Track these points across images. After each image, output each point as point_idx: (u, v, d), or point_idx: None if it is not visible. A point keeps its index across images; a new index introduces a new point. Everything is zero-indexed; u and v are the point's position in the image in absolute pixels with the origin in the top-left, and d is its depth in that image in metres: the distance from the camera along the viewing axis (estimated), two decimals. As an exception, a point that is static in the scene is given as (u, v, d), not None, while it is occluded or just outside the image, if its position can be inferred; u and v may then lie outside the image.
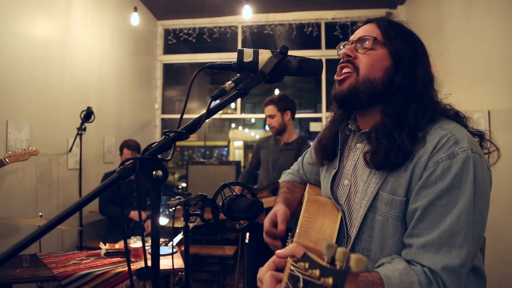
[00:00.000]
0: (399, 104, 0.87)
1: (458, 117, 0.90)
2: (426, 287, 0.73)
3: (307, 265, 0.47)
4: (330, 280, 0.40)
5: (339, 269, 0.41)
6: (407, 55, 0.89)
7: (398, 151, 0.83)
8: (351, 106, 0.96)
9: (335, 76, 0.95)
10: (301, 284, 0.47)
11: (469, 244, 0.75)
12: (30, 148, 2.38)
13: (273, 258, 0.66)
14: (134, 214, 3.09)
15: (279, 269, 0.65)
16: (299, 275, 0.48)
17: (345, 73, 0.92)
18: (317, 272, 0.43)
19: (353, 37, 0.95)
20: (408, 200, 0.83)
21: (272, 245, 1.06)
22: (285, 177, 1.37)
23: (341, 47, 0.99)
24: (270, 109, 2.65)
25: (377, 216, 0.87)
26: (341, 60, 0.94)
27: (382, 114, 0.90)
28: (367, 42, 0.91)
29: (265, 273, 0.64)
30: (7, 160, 2.22)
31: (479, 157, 0.80)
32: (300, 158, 1.33)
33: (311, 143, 2.82)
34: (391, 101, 0.89)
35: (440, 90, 0.94)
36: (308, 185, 1.26)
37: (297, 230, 0.94)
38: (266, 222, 1.10)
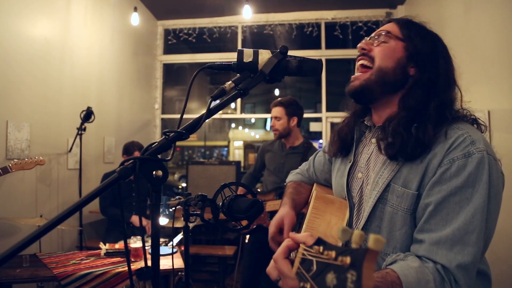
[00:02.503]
0: (419, 98, 0.89)
1: (476, 123, 0.91)
2: (440, 285, 0.74)
3: (321, 248, 0.47)
4: (348, 259, 0.40)
5: (357, 248, 0.41)
6: (426, 50, 0.91)
7: (415, 143, 0.84)
8: (364, 98, 0.99)
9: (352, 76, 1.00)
10: (315, 267, 0.46)
11: (481, 243, 0.77)
12: (37, 157, 2.36)
13: (286, 243, 0.66)
14: (135, 219, 3.08)
15: (291, 250, 0.65)
16: (312, 258, 0.48)
17: (362, 67, 0.96)
18: (333, 254, 0.43)
19: (372, 34, 1.00)
20: (419, 194, 0.84)
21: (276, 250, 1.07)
22: (292, 177, 1.37)
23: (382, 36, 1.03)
24: (278, 111, 2.57)
25: (387, 208, 0.88)
26: (358, 54, 0.99)
27: (400, 107, 0.92)
28: (381, 36, 0.96)
29: (278, 256, 0.64)
30: (11, 167, 2.20)
31: (494, 160, 0.81)
32: (311, 157, 1.33)
33: (315, 144, 2.81)
34: (411, 94, 0.91)
35: (459, 96, 0.95)
36: (315, 184, 1.26)
37: (304, 226, 0.95)
38: (272, 227, 1.10)
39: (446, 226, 0.78)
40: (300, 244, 0.59)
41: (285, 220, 1.08)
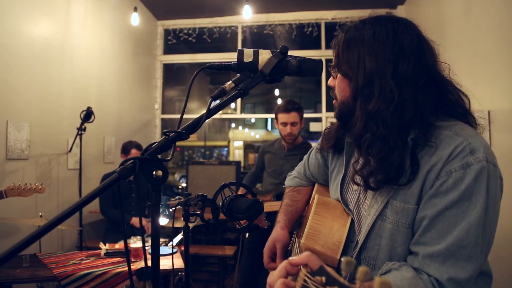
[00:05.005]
0: (360, 108, 0.85)
1: (466, 121, 0.87)
2: None
3: (324, 279, 0.45)
4: None
5: None
6: (352, 63, 0.86)
7: (370, 173, 0.82)
8: (347, 124, 0.97)
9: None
10: None
11: (476, 257, 0.75)
12: (36, 184, 2.23)
13: (285, 264, 0.64)
14: (135, 220, 3.08)
15: (291, 275, 0.63)
16: None
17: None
18: None
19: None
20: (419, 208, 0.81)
21: None
22: (289, 181, 1.34)
23: (331, 68, 0.99)
24: (295, 116, 2.52)
25: (386, 225, 0.84)
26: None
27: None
28: (332, 70, 0.95)
29: (276, 279, 0.61)
30: (7, 193, 2.08)
31: (494, 167, 0.78)
32: (305, 158, 1.29)
33: (314, 144, 2.83)
34: (355, 109, 0.88)
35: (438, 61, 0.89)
36: (317, 185, 1.25)
37: (305, 232, 0.93)
38: (265, 254, 1.09)
39: (441, 241, 0.76)
40: (301, 267, 0.57)
41: (277, 245, 1.08)
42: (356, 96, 0.85)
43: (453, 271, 0.73)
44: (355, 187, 0.96)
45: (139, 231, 3.01)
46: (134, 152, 3.15)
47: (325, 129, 1.11)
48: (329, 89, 1.01)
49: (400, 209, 0.82)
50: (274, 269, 1.03)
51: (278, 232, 1.11)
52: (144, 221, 2.98)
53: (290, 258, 0.64)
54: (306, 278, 0.51)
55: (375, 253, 0.86)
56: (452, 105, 0.87)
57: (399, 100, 0.79)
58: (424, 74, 0.82)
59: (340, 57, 0.90)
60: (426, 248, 0.77)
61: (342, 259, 0.43)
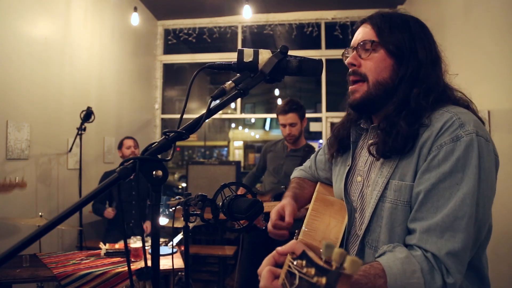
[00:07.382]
0: (404, 91, 0.88)
1: (469, 108, 0.89)
2: (428, 274, 0.73)
3: (304, 263, 0.48)
4: (323, 280, 0.41)
5: (333, 270, 0.41)
6: (403, 45, 0.89)
7: (396, 136, 0.84)
8: (368, 110, 0.98)
9: (349, 87, 0.97)
10: (297, 281, 0.47)
11: (471, 228, 0.75)
12: (18, 179, 2.11)
13: (273, 253, 0.67)
14: (108, 213, 3.04)
15: (279, 265, 0.66)
16: (296, 272, 0.49)
17: (355, 82, 0.95)
18: (312, 271, 0.44)
19: (353, 43, 0.97)
20: None
21: (277, 235, 1.07)
22: (296, 173, 1.37)
23: (346, 54, 1.00)
24: (293, 117, 2.49)
25: (386, 205, 0.86)
26: (349, 71, 0.96)
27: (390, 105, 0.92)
28: (367, 46, 0.92)
29: (264, 267, 0.65)
30: None
31: (485, 141, 0.79)
32: (313, 155, 1.33)
33: (314, 144, 2.81)
34: (398, 91, 0.89)
35: (447, 71, 0.95)
36: (318, 183, 1.26)
37: (303, 228, 0.94)
38: (273, 214, 1.09)
39: (437, 213, 0.77)
40: (288, 254, 0.60)
41: (286, 208, 1.08)
42: (403, 79, 0.88)
43: (451, 244, 0.74)
44: (359, 178, 0.98)
45: (139, 231, 3.01)
46: (126, 142, 3.20)
47: (328, 139, 1.15)
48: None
49: (398, 187, 0.84)
50: (281, 227, 1.05)
51: (287, 200, 1.11)
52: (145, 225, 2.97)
53: (277, 248, 0.66)
54: (289, 263, 0.54)
55: (377, 235, 0.88)
56: (453, 99, 0.92)
57: (435, 88, 0.87)
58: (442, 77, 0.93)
59: (386, 35, 0.91)
60: (422, 223, 0.78)
61: (323, 244, 0.45)
